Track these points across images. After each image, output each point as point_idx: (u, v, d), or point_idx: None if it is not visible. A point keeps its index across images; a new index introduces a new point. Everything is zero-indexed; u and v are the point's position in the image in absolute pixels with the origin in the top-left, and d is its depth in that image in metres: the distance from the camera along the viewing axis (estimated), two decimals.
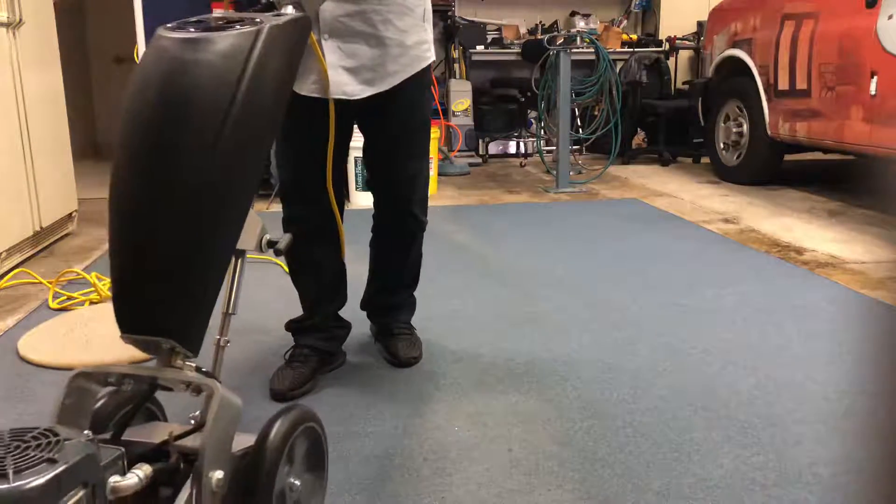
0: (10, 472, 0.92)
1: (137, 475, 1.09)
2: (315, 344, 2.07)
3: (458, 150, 6.09)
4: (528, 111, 6.41)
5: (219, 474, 1.15)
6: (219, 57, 1.19)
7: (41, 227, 3.37)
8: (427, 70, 1.99)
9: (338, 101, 1.83)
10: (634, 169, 5.86)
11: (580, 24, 6.64)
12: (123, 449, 1.12)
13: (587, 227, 3.91)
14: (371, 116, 1.95)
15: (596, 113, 6.09)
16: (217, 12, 1.40)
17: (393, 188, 2.05)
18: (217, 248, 1.24)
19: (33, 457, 0.96)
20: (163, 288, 1.19)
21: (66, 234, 3.74)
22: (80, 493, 0.97)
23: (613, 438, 1.75)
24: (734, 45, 5.11)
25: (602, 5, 6.93)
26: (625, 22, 6.90)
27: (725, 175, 5.23)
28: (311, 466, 1.38)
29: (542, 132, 5.99)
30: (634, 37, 6.75)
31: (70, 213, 3.76)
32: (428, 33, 1.98)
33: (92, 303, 2.73)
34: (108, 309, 2.59)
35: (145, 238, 1.19)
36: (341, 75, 1.83)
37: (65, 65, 3.75)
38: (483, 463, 1.66)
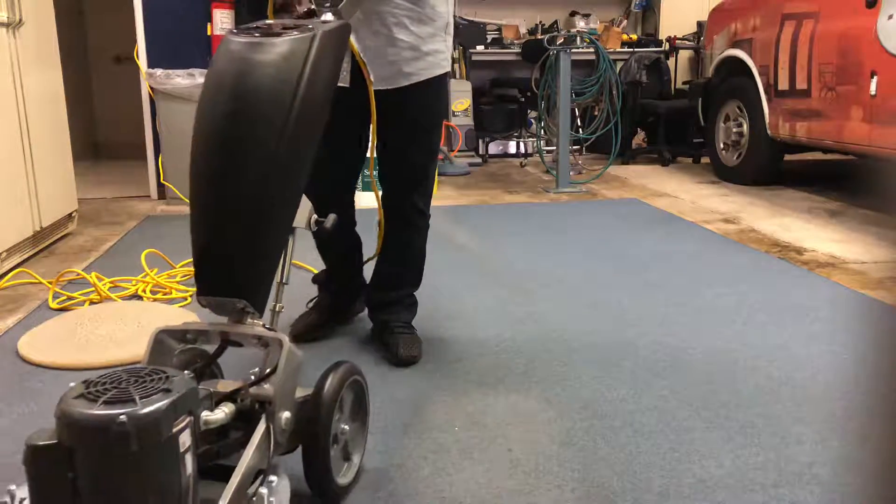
0: (137, 397, 1.11)
1: (224, 411, 1.30)
2: (330, 297, 2.41)
3: (458, 150, 6.09)
4: (528, 111, 6.41)
5: (287, 414, 1.37)
6: (281, 58, 1.40)
7: (41, 227, 3.37)
8: (443, 77, 2.14)
9: (356, 93, 1.96)
10: (634, 169, 5.86)
11: (580, 24, 6.64)
12: (212, 389, 1.32)
13: (587, 228, 3.91)
14: (387, 111, 2.06)
15: (596, 113, 6.09)
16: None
17: (400, 179, 2.19)
18: (280, 223, 1.46)
19: (152, 387, 1.15)
20: (237, 257, 1.41)
21: (66, 234, 3.74)
22: (188, 419, 1.16)
23: (613, 438, 1.75)
24: (734, 45, 5.11)
25: (602, 5, 6.93)
26: (625, 22, 6.89)
27: (725, 175, 5.23)
28: (356, 414, 1.60)
29: (542, 132, 5.99)
30: (634, 37, 6.75)
31: (70, 213, 3.76)
32: (447, 44, 2.12)
33: (92, 303, 2.73)
34: (107, 309, 2.59)
35: (223, 215, 1.40)
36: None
37: (65, 65, 3.75)
38: (483, 463, 1.66)
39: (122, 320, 2.49)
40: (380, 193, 2.20)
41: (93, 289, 2.79)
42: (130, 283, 2.90)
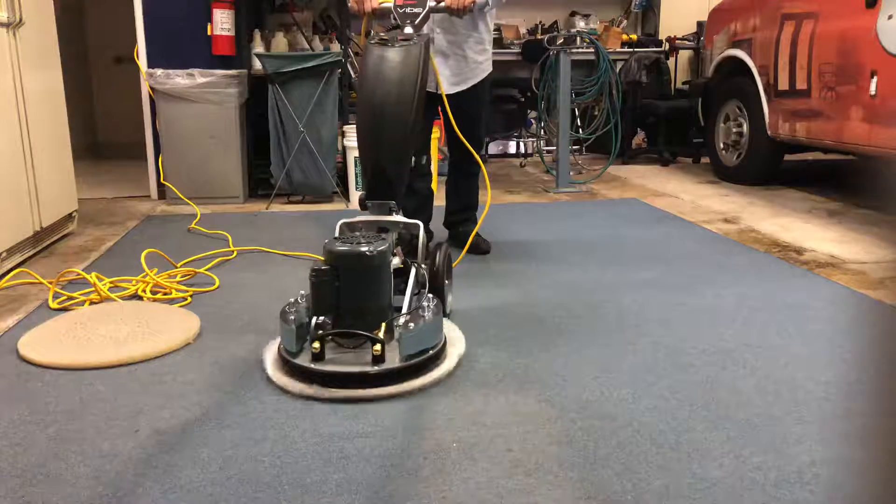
0: (372, 240, 2.05)
1: (399, 259, 2.31)
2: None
3: None
4: (528, 111, 6.41)
5: (424, 267, 2.37)
6: (410, 57, 2.36)
7: (41, 227, 3.37)
8: (489, 76, 3.25)
9: (436, 92, 3.00)
10: (634, 169, 5.86)
11: (580, 24, 6.64)
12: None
13: (587, 228, 3.91)
14: (453, 102, 3.08)
15: (596, 113, 6.09)
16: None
17: (462, 146, 3.13)
18: (410, 156, 2.45)
19: (377, 239, 2.08)
20: (392, 176, 2.35)
21: (66, 234, 3.74)
22: (394, 259, 2.18)
23: (613, 438, 1.75)
24: (734, 45, 5.11)
25: (602, 5, 6.93)
26: (625, 22, 6.89)
27: (725, 175, 5.23)
28: (449, 271, 2.58)
29: (542, 132, 5.99)
30: (634, 37, 6.75)
31: (70, 213, 3.76)
32: (490, 53, 3.24)
33: (92, 303, 2.73)
34: (107, 309, 2.59)
35: (384, 152, 2.33)
36: (443, 78, 3.04)
37: (65, 65, 3.75)
38: (483, 463, 1.66)
39: (122, 320, 2.49)
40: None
41: (93, 289, 2.79)
42: (130, 283, 2.90)
